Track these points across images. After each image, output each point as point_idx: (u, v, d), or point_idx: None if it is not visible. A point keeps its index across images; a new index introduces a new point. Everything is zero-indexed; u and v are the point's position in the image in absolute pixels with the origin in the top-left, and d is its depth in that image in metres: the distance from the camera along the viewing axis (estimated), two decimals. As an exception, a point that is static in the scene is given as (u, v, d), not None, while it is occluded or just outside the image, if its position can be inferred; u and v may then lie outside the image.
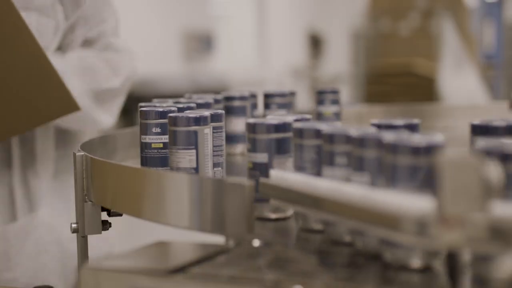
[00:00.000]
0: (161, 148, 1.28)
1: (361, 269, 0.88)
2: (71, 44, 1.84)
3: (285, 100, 1.75)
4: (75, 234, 1.77)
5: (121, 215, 1.23)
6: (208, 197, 0.97)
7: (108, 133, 1.71)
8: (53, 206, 1.80)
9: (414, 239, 0.76)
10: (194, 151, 1.21)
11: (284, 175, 1.02)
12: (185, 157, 1.21)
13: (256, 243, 0.98)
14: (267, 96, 1.76)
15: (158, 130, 1.28)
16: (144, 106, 1.35)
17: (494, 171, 0.76)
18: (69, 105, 1.55)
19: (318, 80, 9.93)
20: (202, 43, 9.44)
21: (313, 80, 9.95)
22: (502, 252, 0.73)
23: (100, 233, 1.25)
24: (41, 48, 1.50)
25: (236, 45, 10.31)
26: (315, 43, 10.38)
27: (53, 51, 1.78)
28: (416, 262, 0.84)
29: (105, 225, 1.25)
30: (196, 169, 1.21)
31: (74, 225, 1.24)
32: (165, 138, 1.27)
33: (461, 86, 5.87)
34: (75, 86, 1.72)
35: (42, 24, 1.74)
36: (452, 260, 0.79)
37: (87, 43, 1.86)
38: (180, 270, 0.89)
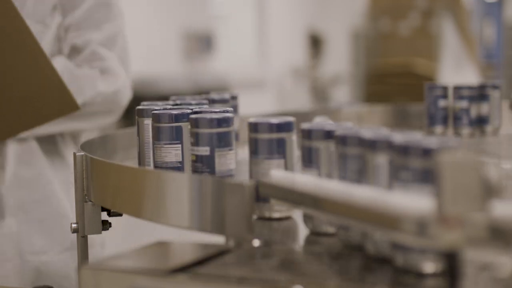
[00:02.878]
0: None
1: (371, 272, 0.88)
2: (61, 51, 1.81)
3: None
4: (38, 247, 1.77)
5: (121, 215, 1.23)
6: (208, 197, 0.97)
7: (108, 133, 1.71)
8: (19, 217, 1.78)
9: (414, 239, 0.76)
10: (179, 145, 1.23)
11: (284, 175, 1.02)
12: (171, 152, 1.22)
13: (256, 243, 0.98)
14: None
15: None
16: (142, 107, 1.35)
17: (494, 171, 0.76)
18: (69, 105, 1.55)
19: (318, 80, 9.93)
20: (202, 43, 9.43)
21: (313, 80, 9.95)
22: (502, 252, 0.73)
23: (100, 233, 1.25)
24: (41, 48, 1.50)
25: (236, 45, 10.30)
26: (315, 43, 10.37)
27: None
28: (429, 266, 0.83)
29: (105, 225, 1.25)
30: (182, 163, 1.22)
31: (74, 225, 1.24)
32: None
33: (461, 86, 5.86)
34: None
35: (39, 32, 1.71)
36: (452, 260, 0.79)
37: (74, 50, 1.81)
38: (180, 270, 0.89)
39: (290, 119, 1.12)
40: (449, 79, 5.94)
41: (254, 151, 1.12)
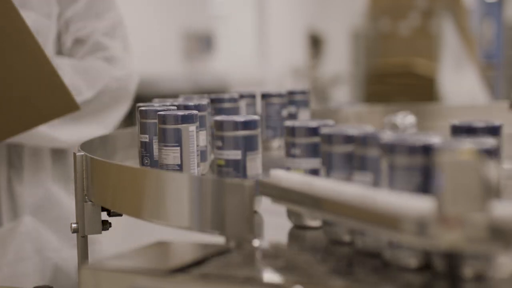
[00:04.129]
0: None
1: (381, 276, 0.88)
2: (64, 45, 1.81)
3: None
4: (57, 244, 1.77)
5: (121, 215, 1.23)
6: (208, 197, 0.97)
7: (108, 133, 1.71)
8: (38, 214, 1.79)
9: (414, 239, 0.76)
10: (178, 148, 1.23)
11: (284, 175, 1.02)
12: (169, 154, 1.24)
13: (256, 243, 0.98)
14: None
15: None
16: (143, 106, 1.35)
17: (494, 171, 0.76)
18: (69, 105, 1.55)
19: (318, 80, 9.93)
20: (202, 43, 9.43)
21: (313, 80, 9.95)
22: (502, 252, 0.73)
23: (100, 233, 1.25)
24: (41, 48, 1.50)
25: (236, 45, 10.30)
26: (315, 43, 10.38)
27: (52, 51, 1.77)
28: (439, 263, 0.82)
29: (105, 225, 1.25)
30: (180, 166, 1.23)
31: (74, 225, 1.24)
32: None
33: (461, 86, 5.87)
34: None
35: (40, 24, 1.72)
36: (452, 260, 0.79)
37: (78, 43, 1.81)
38: (180, 270, 0.89)
39: (195, 112, 1.24)
40: (449, 79, 5.94)
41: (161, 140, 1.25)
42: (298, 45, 10.59)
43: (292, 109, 1.80)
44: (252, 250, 0.96)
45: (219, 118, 1.18)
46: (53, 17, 1.76)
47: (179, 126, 1.23)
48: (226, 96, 1.62)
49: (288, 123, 1.10)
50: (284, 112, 1.77)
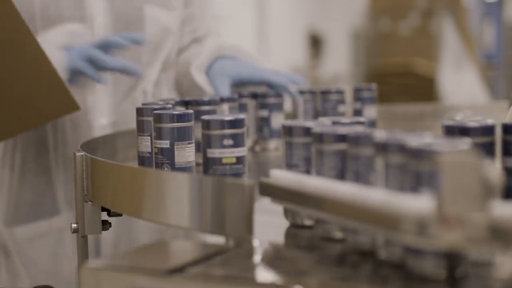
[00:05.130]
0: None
1: (381, 276, 0.88)
2: (181, 42, 1.92)
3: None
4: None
5: (121, 215, 1.23)
6: (208, 197, 0.97)
7: (108, 133, 1.71)
8: (72, 211, 1.81)
9: (414, 239, 0.76)
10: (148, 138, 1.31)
11: (284, 174, 1.02)
12: (142, 143, 1.33)
13: (256, 243, 0.98)
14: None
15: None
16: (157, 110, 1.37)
17: (494, 171, 0.76)
18: (69, 105, 1.55)
19: (318, 80, 9.93)
20: (202, 43, 9.42)
21: (313, 80, 9.95)
22: (502, 252, 0.73)
23: (100, 233, 1.25)
24: (41, 48, 1.50)
25: (236, 45, 10.29)
26: (315, 43, 10.37)
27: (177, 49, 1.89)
28: (440, 272, 0.82)
29: (105, 225, 1.25)
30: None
31: (74, 225, 1.24)
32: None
33: (461, 86, 5.87)
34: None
35: (170, 17, 1.82)
36: (451, 261, 0.79)
37: (195, 41, 1.95)
38: (180, 270, 0.89)
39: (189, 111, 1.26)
40: (449, 79, 5.94)
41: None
42: (298, 45, 10.59)
43: (357, 105, 1.87)
44: (251, 250, 0.96)
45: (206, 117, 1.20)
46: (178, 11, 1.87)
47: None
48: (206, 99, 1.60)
49: (285, 123, 1.10)
50: (342, 108, 1.84)
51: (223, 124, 1.18)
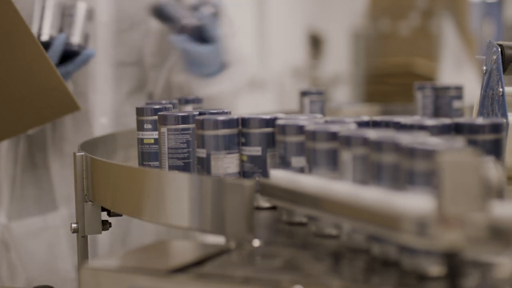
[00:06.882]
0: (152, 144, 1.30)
1: (374, 275, 0.88)
2: None
3: None
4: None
5: (121, 215, 1.23)
6: (208, 197, 0.97)
7: (108, 133, 1.71)
8: (70, 207, 1.81)
9: (414, 239, 0.76)
10: None
11: (284, 174, 1.02)
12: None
13: (256, 243, 0.98)
14: None
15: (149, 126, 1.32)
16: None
17: (494, 171, 0.76)
18: (70, 105, 1.55)
19: (318, 80, 9.93)
20: (202, 43, 9.41)
21: (313, 80, 9.94)
22: (502, 252, 0.73)
23: (100, 233, 1.25)
24: (41, 48, 1.50)
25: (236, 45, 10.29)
26: (315, 43, 10.37)
27: None
28: (435, 269, 0.82)
29: (105, 225, 1.25)
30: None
31: (74, 225, 1.24)
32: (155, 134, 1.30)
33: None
34: None
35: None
36: (451, 261, 0.79)
37: None
38: (180, 270, 0.89)
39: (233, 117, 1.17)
40: (449, 79, 5.94)
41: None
42: (298, 45, 10.59)
43: (458, 103, 1.89)
44: (251, 250, 0.96)
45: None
46: None
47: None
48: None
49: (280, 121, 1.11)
50: (457, 104, 1.86)
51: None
